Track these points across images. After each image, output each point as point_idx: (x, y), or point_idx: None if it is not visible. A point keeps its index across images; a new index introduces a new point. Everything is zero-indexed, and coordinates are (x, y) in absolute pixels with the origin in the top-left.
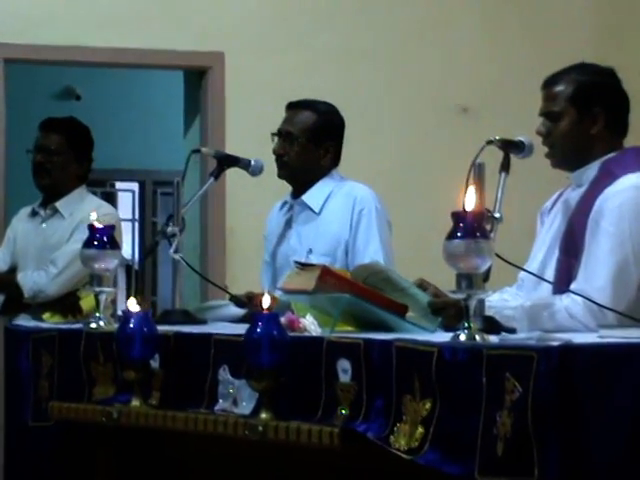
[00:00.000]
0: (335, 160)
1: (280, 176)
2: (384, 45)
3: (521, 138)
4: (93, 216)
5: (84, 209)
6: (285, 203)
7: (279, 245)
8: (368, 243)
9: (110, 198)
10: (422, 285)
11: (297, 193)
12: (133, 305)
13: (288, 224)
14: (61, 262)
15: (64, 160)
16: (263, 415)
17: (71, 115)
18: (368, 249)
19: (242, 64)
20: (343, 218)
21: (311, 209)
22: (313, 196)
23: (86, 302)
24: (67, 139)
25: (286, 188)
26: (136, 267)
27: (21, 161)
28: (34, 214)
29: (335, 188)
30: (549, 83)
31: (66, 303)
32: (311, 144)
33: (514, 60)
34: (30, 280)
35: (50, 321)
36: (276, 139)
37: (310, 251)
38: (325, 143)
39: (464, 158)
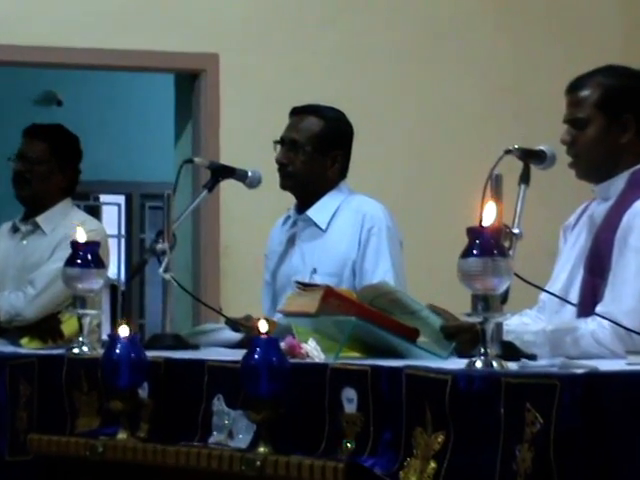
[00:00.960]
0: (343, 171)
1: (283, 187)
2: (393, 46)
3: (542, 147)
4: (79, 231)
5: (67, 225)
6: (288, 218)
7: (281, 264)
8: (377, 264)
9: (94, 212)
10: (432, 310)
11: (302, 207)
12: (122, 329)
13: (291, 241)
14: (40, 282)
15: (46, 170)
16: (261, 449)
17: (59, 123)
18: (377, 270)
19: (238, 66)
20: (351, 236)
21: (317, 225)
22: (319, 211)
23: (68, 326)
24: (51, 147)
25: (287, 202)
26: (122, 288)
27: (2, 171)
28: (15, 230)
29: (343, 203)
30: (574, 87)
31: (46, 327)
32: (318, 153)
33: (536, 62)
34: (6, 302)
35: (28, 346)
36: (279, 147)
37: (314, 271)
38: (333, 152)
39: (481, 169)
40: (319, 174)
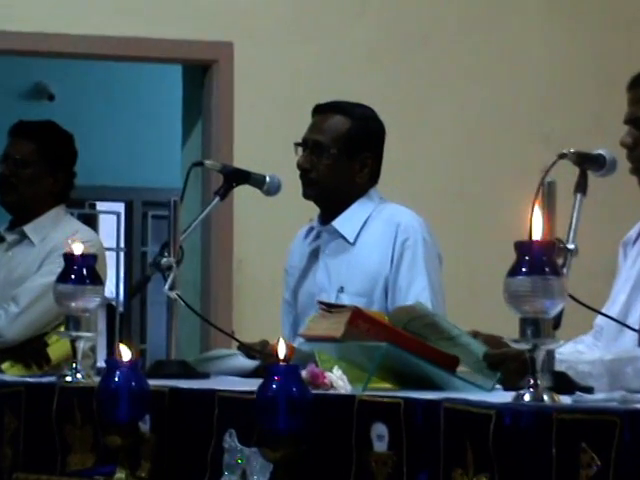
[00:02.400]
0: (373, 176)
1: (306, 196)
2: (425, 36)
3: (601, 151)
4: (74, 242)
5: (58, 234)
6: (311, 230)
7: (303, 281)
8: (412, 281)
9: (90, 222)
10: (475, 336)
11: (327, 218)
12: (123, 352)
13: (314, 256)
14: (24, 299)
15: (34, 173)
16: None
17: (45, 118)
18: (412, 289)
19: (254, 57)
20: (383, 250)
21: (344, 238)
22: (347, 222)
23: (55, 349)
24: (39, 147)
25: (309, 211)
26: (120, 308)
27: None
28: (0, 239)
29: (374, 212)
30: (636, 83)
31: (30, 350)
32: (345, 156)
33: (590, 54)
34: None
35: (10, 373)
36: (300, 150)
37: (341, 290)
38: (361, 155)
39: (530, 175)
40: (346, 180)
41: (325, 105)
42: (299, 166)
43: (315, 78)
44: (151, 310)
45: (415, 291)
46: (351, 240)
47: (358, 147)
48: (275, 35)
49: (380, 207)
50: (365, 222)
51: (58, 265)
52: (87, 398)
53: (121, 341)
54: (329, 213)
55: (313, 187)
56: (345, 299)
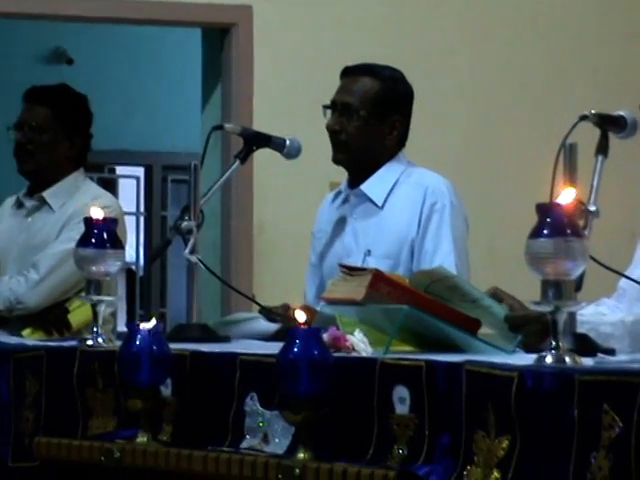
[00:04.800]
0: (402, 139)
1: (337, 160)
2: None
3: (622, 113)
4: (93, 207)
5: (77, 200)
6: (339, 194)
7: (331, 245)
8: (439, 245)
9: (109, 186)
10: (496, 295)
11: (355, 181)
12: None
13: (342, 220)
14: (44, 266)
15: (50, 139)
16: (301, 455)
17: (62, 82)
18: (438, 252)
19: (274, 19)
20: (411, 213)
21: (372, 201)
22: (375, 185)
23: (76, 316)
24: (54, 112)
25: (330, 174)
26: (140, 273)
27: (2, 140)
28: (19, 205)
29: (402, 176)
30: None
31: (50, 317)
32: (374, 118)
33: (612, 15)
34: (6, 288)
35: (31, 339)
36: (329, 113)
37: (368, 252)
38: (391, 117)
39: (552, 137)
40: (376, 142)
41: (354, 67)
42: (328, 128)
43: (334, 40)
44: (171, 274)
45: (441, 255)
46: (379, 204)
47: (388, 109)
48: None
49: (408, 170)
50: (393, 186)
51: (78, 231)
52: (108, 362)
53: (142, 306)
54: (357, 176)
55: (343, 149)
56: (372, 262)
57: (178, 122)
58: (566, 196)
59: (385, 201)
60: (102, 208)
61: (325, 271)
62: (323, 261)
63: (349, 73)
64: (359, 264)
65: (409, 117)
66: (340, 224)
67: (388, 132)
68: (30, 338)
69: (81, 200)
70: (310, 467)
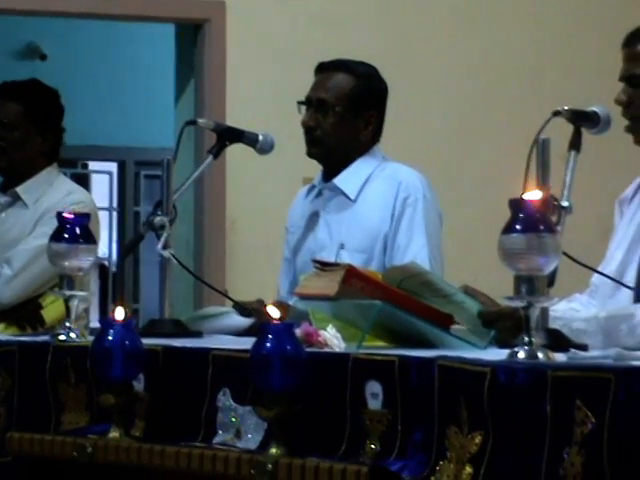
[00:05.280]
0: (376, 134)
1: (311, 154)
2: None
3: (595, 108)
4: (65, 202)
5: (52, 195)
6: (312, 188)
7: (304, 239)
8: (411, 239)
9: (82, 182)
10: (467, 293)
11: (329, 175)
12: (117, 312)
13: (315, 214)
14: (18, 262)
15: (22, 135)
16: (273, 450)
17: (34, 77)
18: (411, 246)
19: (248, 15)
20: (384, 207)
21: (345, 195)
22: (348, 179)
23: (49, 311)
24: (25, 108)
25: (302, 170)
26: (113, 268)
27: None
28: None
29: (376, 170)
30: (631, 40)
31: (24, 312)
32: (350, 114)
33: (589, 10)
34: None
35: (4, 334)
36: (303, 109)
37: (342, 246)
38: (366, 113)
39: (525, 133)
40: (351, 138)
41: (328, 63)
42: (304, 124)
43: (307, 36)
44: (144, 269)
45: (413, 249)
46: (352, 197)
47: (363, 105)
48: None
49: (383, 165)
50: (367, 179)
51: (51, 227)
52: (81, 357)
53: (114, 301)
54: (331, 171)
55: (318, 145)
56: (345, 255)
57: (151, 117)
58: (536, 195)
59: (358, 195)
60: (76, 203)
61: (298, 265)
62: (296, 255)
63: (323, 69)
64: (332, 258)
65: (384, 112)
66: (313, 218)
67: (363, 127)
68: (3, 333)
69: (55, 196)
70: (282, 462)
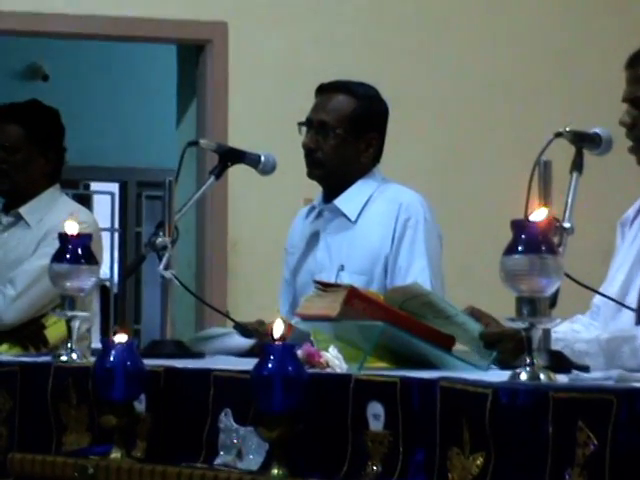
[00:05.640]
0: (377, 156)
1: (312, 176)
2: (423, 14)
3: (597, 130)
4: (69, 222)
5: (54, 215)
6: (312, 209)
7: (304, 260)
8: (412, 261)
9: (84, 202)
10: (473, 315)
11: (329, 197)
12: (118, 334)
13: (315, 235)
14: (21, 282)
15: (24, 158)
16: (274, 471)
17: (34, 98)
18: (412, 268)
19: (249, 37)
20: (384, 228)
21: (345, 216)
22: (349, 200)
23: (53, 331)
24: (26, 130)
25: (304, 191)
26: (115, 289)
27: None
28: None
29: (376, 192)
30: (635, 61)
31: (27, 333)
32: (351, 136)
33: (591, 31)
34: None
35: (8, 355)
36: (304, 130)
37: (342, 268)
38: (367, 135)
39: (527, 154)
40: (352, 160)
41: (329, 84)
42: (305, 146)
43: (308, 57)
44: (146, 290)
45: (414, 271)
46: (353, 218)
47: (363, 127)
48: (268, 14)
49: (383, 186)
50: (367, 201)
51: (54, 247)
52: (82, 378)
53: (116, 322)
54: (332, 192)
55: (319, 167)
56: (345, 277)
57: (153, 138)
58: (539, 215)
59: (359, 216)
60: (78, 224)
61: (298, 286)
62: (296, 276)
63: (324, 90)
64: (332, 279)
65: (384, 133)
66: (313, 239)
67: (364, 149)
68: (7, 354)
69: (58, 216)
70: None
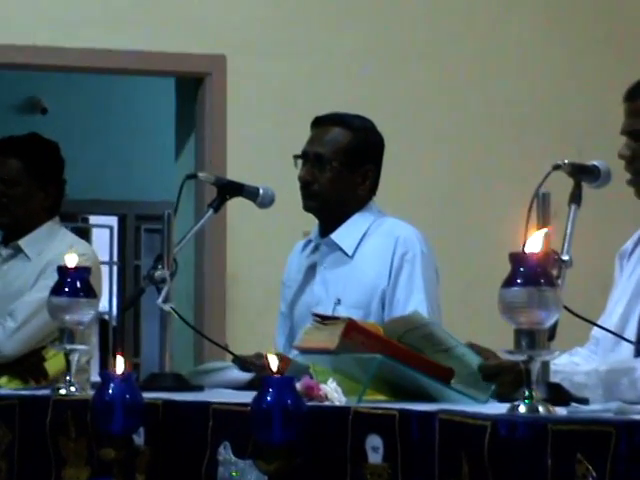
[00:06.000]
0: (373, 189)
1: (308, 209)
2: (417, 45)
3: (596, 162)
4: (68, 254)
5: (54, 248)
6: (309, 242)
7: (300, 294)
8: (410, 295)
9: (82, 235)
10: (472, 350)
11: (325, 230)
12: (117, 365)
13: (312, 268)
14: (21, 314)
15: (24, 191)
16: None
17: (33, 132)
18: (410, 302)
19: (248, 70)
20: (381, 263)
21: (342, 250)
22: (346, 234)
23: (52, 364)
24: (26, 164)
25: (303, 224)
26: (113, 322)
27: None
28: None
29: (372, 225)
30: (633, 94)
31: (27, 365)
32: (347, 169)
33: (589, 62)
34: None
35: (8, 387)
36: (300, 163)
37: (338, 302)
38: (363, 167)
39: (525, 186)
40: (348, 192)
41: (325, 117)
42: (300, 179)
43: (307, 90)
44: (145, 324)
45: (412, 305)
46: (350, 253)
47: (359, 159)
48: (267, 48)
49: (379, 220)
50: (364, 235)
51: (54, 279)
52: (81, 411)
53: (115, 355)
54: (328, 225)
55: (315, 200)
56: (342, 311)
57: (152, 171)
58: (537, 238)
59: (355, 250)
60: (78, 256)
61: (295, 320)
62: (293, 310)
63: (320, 123)
64: (329, 313)
65: (380, 166)
66: (310, 273)
67: (360, 182)
68: (7, 387)
69: (57, 248)
70: None
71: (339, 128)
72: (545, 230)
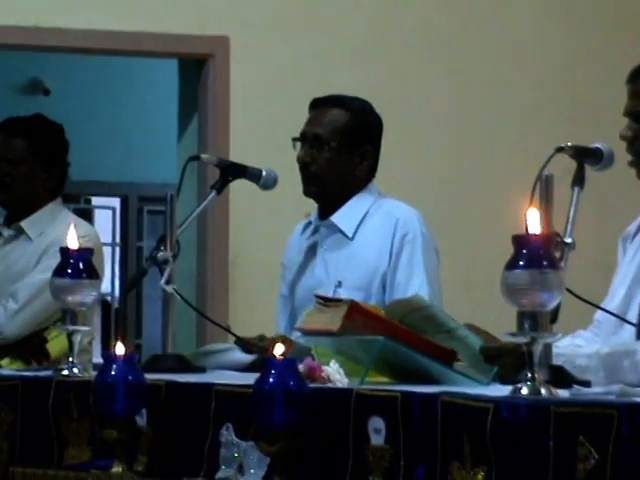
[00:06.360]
0: (372, 170)
1: (308, 193)
2: (425, 29)
3: (599, 145)
4: (70, 235)
5: (56, 229)
6: (309, 225)
7: (301, 276)
8: (411, 276)
9: (85, 217)
10: (470, 329)
11: (325, 212)
12: (118, 347)
13: (312, 250)
14: (23, 296)
15: (28, 171)
16: None
17: (38, 113)
18: (411, 284)
19: (251, 51)
20: (381, 244)
21: (342, 232)
22: (345, 216)
23: (54, 345)
24: (31, 144)
25: (305, 205)
26: (115, 304)
27: None
28: None
29: (372, 207)
30: (636, 76)
31: (29, 346)
32: (345, 149)
33: (591, 46)
34: None
35: (10, 368)
36: (299, 145)
37: (339, 284)
38: (361, 147)
39: (528, 169)
40: (347, 173)
41: (323, 99)
42: (299, 160)
43: (311, 72)
44: (147, 305)
45: (413, 286)
46: (350, 235)
47: (358, 140)
48: (271, 29)
49: (379, 202)
50: (364, 217)
51: (56, 260)
52: (83, 392)
53: (117, 336)
54: (328, 207)
55: (314, 181)
56: (343, 293)
57: (154, 153)
58: (531, 217)
59: (355, 232)
60: (80, 237)
61: (296, 302)
62: (294, 292)
63: (318, 105)
64: (330, 295)
65: (379, 147)
66: (310, 255)
67: (359, 162)
68: (9, 368)
69: (59, 229)
70: None
71: (337, 109)
72: (534, 209)
